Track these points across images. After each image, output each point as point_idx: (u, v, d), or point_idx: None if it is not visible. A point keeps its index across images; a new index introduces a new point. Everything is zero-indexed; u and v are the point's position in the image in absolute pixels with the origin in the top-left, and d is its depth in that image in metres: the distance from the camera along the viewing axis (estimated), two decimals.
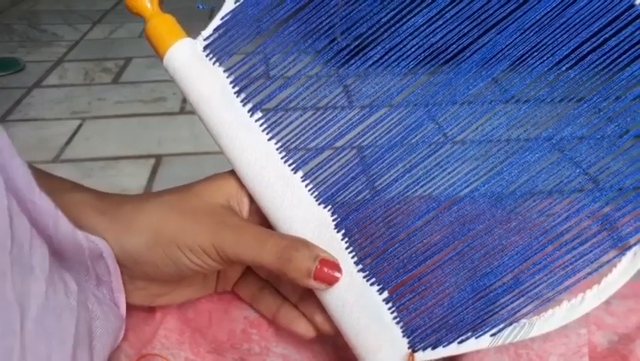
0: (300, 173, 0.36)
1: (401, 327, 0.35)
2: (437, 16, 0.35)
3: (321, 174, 0.35)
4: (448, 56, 0.35)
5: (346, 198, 0.36)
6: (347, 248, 0.35)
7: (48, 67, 2.02)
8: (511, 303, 0.34)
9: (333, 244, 0.35)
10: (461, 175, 0.35)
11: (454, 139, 0.35)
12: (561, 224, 0.34)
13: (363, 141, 0.36)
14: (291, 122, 0.35)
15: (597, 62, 0.34)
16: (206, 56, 0.36)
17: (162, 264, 0.34)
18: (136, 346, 0.37)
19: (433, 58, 0.35)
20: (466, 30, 0.35)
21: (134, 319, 0.38)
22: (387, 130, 0.36)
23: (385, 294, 0.35)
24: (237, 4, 0.36)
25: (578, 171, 0.34)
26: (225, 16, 0.36)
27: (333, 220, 0.35)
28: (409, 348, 0.34)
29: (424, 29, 0.35)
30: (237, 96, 0.36)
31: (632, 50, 0.33)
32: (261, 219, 0.36)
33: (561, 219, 0.34)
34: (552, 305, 0.33)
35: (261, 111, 0.35)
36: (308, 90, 0.36)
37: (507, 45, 0.35)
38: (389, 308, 0.35)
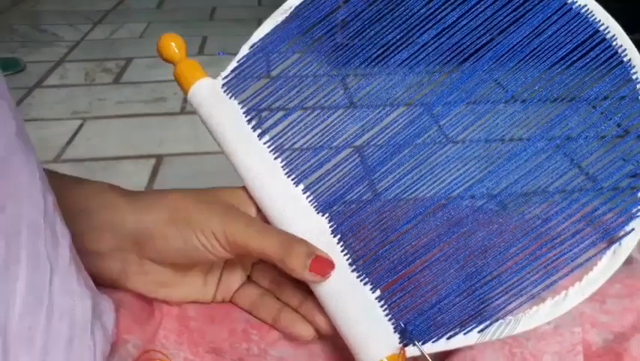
0: (302, 186, 0.40)
1: (392, 323, 0.36)
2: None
3: (320, 186, 0.40)
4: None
5: (342, 207, 0.39)
6: (342, 251, 0.38)
7: (49, 67, 2.02)
8: (497, 300, 0.35)
9: (330, 247, 0.38)
10: (449, 177, 0.37)
11: (437, 141, 0.37)
12: (542, 224, 0.35)
13: (361, 151, 0.40)
14: (293, 144, 0.41)
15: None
16: (224, 91, 0.42)
17: (173, 239, 0.36)
18: (142, 339, 0.38)
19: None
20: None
21: (137, 317, 0.39)
22: (387, 138, 0.39)
23: (377, 292, 0.37)
24: (250, 50, 0.43)
25: (558, 172, 0.36)
26: (241, 59, 0.43)
27: (330, 227, 0.39)
28: (399, 343, 0.36)
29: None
30: (249, 123, 0.41)
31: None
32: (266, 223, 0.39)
33: (542, 219, 0.35)
34: (536, 302, 0.35)
35: (268, 135, 0.41)
36: (309, 117, 0.41)
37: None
38: (381, 306, 0.37)
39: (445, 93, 0.38)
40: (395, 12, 0.39)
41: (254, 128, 0.41)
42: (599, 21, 0.37)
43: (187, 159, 1.47)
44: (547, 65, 0.36)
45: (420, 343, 0.35)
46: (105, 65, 2.05)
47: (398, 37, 0.38)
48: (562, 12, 0.37)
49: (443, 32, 0.38)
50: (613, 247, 0.35)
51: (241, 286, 0.42)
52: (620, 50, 0.37)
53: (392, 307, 0.37)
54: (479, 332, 0.35)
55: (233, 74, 0.42)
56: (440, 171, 0.38)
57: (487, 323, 0.35)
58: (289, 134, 0.41)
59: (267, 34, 0.42)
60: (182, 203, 0.38)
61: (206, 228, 0.36)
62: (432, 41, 0.38)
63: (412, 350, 0.36)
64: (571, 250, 0.35)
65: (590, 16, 0.37)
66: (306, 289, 0.39)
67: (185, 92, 0.42)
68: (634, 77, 0.36)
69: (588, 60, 0.36)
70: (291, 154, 0.40)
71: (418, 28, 0.39)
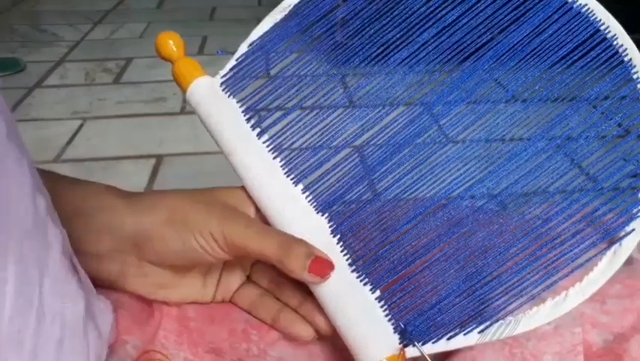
0: (301, 186, 0.40)
1: (392, 324, 0.36)
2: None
3: (319, 185, 0.40)
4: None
5: (342, 207, 0.39)
6: (342, 251, 0.38)
7: (49, 67, 2.02)
8: (497, 300, 0.35)
9: (330, 247, 0.37)
10: (449, 177, 0.37)
11: (437, 140, 0.37)
12: (542, 224, 0.35)
13: (361, 151, 0.39)
14: (293, 143, 0.40)
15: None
16: (223, 90, 0.42)
17: (172, 241, 0.36)
18: (141, 340, 0.38)
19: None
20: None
21: (136, 318, 0.39)
22: (387, 138, 0.39)
23: (377, 293, 0.37)
24: (249, 48, 0.42)
25: (558, 172, 0.35)
26: (240, 57, 0.42)
27: (330, 227, 0.39)
28: (399, 343, 0.36)
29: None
30: (247, 122, 0.41)
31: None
32: (265, 223, 0.39)
33: (542, 219, 0.35)
34: (537, 302, 0.35)
35: (267, 134, 0.40)
36: (308, 116, 0.41)
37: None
38: (381, 306, 0.37)
39: (445, 92, 0.38)
40: (395, 10, 0.39)
41: (253, 128, 0.41)
42: (600, 20, 0.37)
43: (187, 159, 1.47)
44: (548, 64, 0.36)
45: (420, 343, 0.35)
46: (105, 65, 2.05)
47: (398, 35, 0.38)
48: (562, 11, 0.37)
49: (443, 31, 0.37)
50: (613, 248, 0.35)
51: (240, 286, 0.42)
52: (620, 50, 0.37)
53: (392, 307, 0.36)
54: (479, 332, 0.35)
55: (231, 73, 0.42)
56: (440, 170, 0.37)
57: (488, 323, 0.35)
58: (288, 133, 0.40)
59: (266, 32, 0.42)
60: (181, 204, 0.38)
61: (205, 229, 0.36)
62: (432, 40, 0.38)
63: (411, 351, 0.35)
64: (571, 251, 0.35)
65: (590, 15, 0.37)
66: (305, 290, 0.39)
67: (184, 91, 0.42)
68: (634, 76, 0.36)
69: (589, 60, 0.36)
70: (290, 153, 0.40)
71: (418, 26, 0.38)
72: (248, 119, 0.41)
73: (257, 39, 0.42)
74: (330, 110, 0.40)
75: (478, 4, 0.38)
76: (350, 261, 0.37)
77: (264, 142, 0.40)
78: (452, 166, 0.37)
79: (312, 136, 0.40)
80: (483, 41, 0.37)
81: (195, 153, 1.49)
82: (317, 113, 0.40)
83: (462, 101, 0.38)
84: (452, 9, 0.37)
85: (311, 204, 0.39)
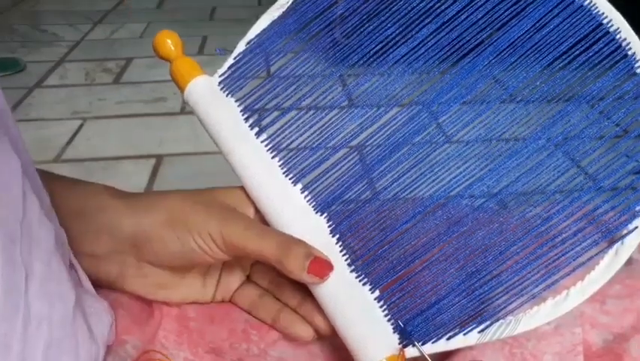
0: (300, 185, 0.39)
1: (392, 324, 0.36)
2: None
3: (318, 185, 0.39)
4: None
5: (341, 206, 0.39)
6: (341, 251, 0.38)
7: (49, 67, 2.03)
8: (497, 300, 0.35)
9: (329, 247, 0.37)
10: (448, 175, 0.36)
11: (436, 139, 0.37)
12: (543, 223, 0.35)
13: (360, 150, 0.39)
14: (291, 142, 0.40)
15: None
16: (221, 89, 0.41)
17: (171, 242, 0.36)
18: (141, 340, 0.38)
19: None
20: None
21: (136, 318, 0.39)
22: (386, 137, 0.39)
23: (376, 293, 0.37)
24: (247, 46, 0.42)
25: (559, 170, 0.35)
26: (237, 56, 0.42)
27: (329, 226, 0.38)
28: (399, 343, 0.35)
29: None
30: (246, 121, 0.41)
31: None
32: (263, 224, 0.39)
33: (543, 218, 0.35)
34: (537, 302, 0.34)
35: (266, 133, 0.40)
36: (307, 115, 0.40)
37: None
38: (380, 306, 0.36)
39: (445, 90, 0.38)
40: (394, 6, 0.38)
41: (251, 127, 0.40)
42: (602, 13, 0.37)
43: (187, 159, 1.47)
44: (549, 59, 0.36)
45: (419, 343, 0.35)
46: (105, 65, 2.05)
47: (397, 32, 0.38)
48: (564, 5, 0.37)
49: (442, 27, 0.37)
50: (615, 246, 0.35)
51: (240, 286, 0.42)
52: (623, 44, 0.36)
53: (391, 307, 0.36)
54: (479, 332, 0.35)
55: (229, 71, 0.41)
56: (440, 169, 0.37)
57: (488, 323, 0.34)
58: (287, 132, 0.40)
59: (264, 30, 0.41)
60: (180, 205, 0.38)
61: (204, 230, 0.36)
62: (431, 36, 0.38)
63: (411, 351, 0.35)
64: (572, 249, 0.35)
65: (592, 8, 0.37)
66: (305, 290, 0.39)
67: (182, 90, 0.42)
68: (638, 71, 0.36)
69: (591, 54, 0.36)
70: (288, 153, 0.40)
71: (417, 22, 0.38)
72: (246, 119, 0.41)
73: (254, 37, 0.42)
74: (328, 108, 0.40)
75: None
76: (349, 261, 0.37)
77: (262, 141, 0.40)
78: (452, 165, 0.37)
79: (311, 135, 0.40)
80: (483, 37, 0.36)
81: (195, 153, 1.49)
82: (315, 112, 0.40)
83: (462, 98, 0.37)
84: (452, 4, 0.37)
85: (310, 204, 0.39)
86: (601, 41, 0.35)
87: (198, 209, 0.37)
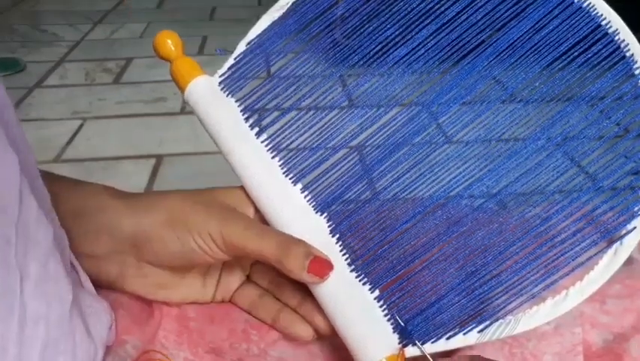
0: (300, 185, 0.39)
1: (391, 323, 0.36)
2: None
3: (318, 185, 0.39)
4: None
5: (341, 206, 0.39)
6: (341, 251, 0.38)
7: (49, 67, 2.03)
8: (497, 300, 0.35)
9: (329, 247, 0.37)
10: (448, 175, 0.37)
11: (436, 139, 0.37)
12: (542, 223, 0.35)
13: (359, 150, 0.39)
14: (291, 142, 0.40)
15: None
16: (221, 89, 0.42)
17: (170, 242, 0.36)
18: (141, 340, 0.38)
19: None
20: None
21: (136, 318, 0.39)
22: (386, 137, 0.39)
23: (376, 292, 0.37)
24: (247, 46, 0.42)
25: (558, 170, 0.35)
26: (238, 56, 0.42)
27: (329, 226, 0.38)
28: (399, 343, 0.35)
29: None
30: (246, 121, 0.41)
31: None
32: (263, 224, 0.39)
33: (542, 218, 0.35)
34: (536, 302, 0.34)
35: (266, 133, 0.41)
36: (307, 115, 0.40)
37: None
38: (380, 306, 0.36)
39: (445, 90, 0.38)
40: (394, 7, 0.38)
41: (251, 127, 0.41)
42: (601, 15, 0.37)
43: (187, 159, 1.47)
44: (549, 60, 0.36)
45: (419, 343, 0.35)
46: (105, 65, 2.05)
47: (397, 32, 0.38)
48: (563, 6, 0.37)
49: (442, 28, 0.37)
50: (614, 246, 0.35)
51: (240, 286, 0.42)
52: (622, 45, 0.36)
53: (391, 307, 0.36)
54: (479, 332, 0.35)
55: (230, 72, 0.42)
56: (439, 169, 0.37)
57: (487, 322, 0.35)
58: (287, 132, 0.40)
59: (264, 30, 0.41)
60: (179, 205, 0.38)
61: (204, 230, 0.36)
62: (431, 37, 0.38)
63: (411, 351, 0.35)
64: (571, 249, 0.35)
65: (591, 10, 0.37)
66: (305, 290, 0.39)
67: (182, 90, 0.42)
68: (637, 72, 0.36)
69: (590, 55, 0.36)
70: (288, 153, 0.40)
71: (417, 23, 0.38)
72: (246, 119, 0.41)
73: (255, 38, 0.42)
74: (328, 108, 0.40)
75: (478, 0, 0.37)
76: (349, 260, 0.37)
77: (262, 141, 0.40)
78: (451, 165, 0.37)
79: (311, 135, 0.40)
80: (482, 38, 0.36)
81: (195, 153, 1.49)
82: (315, 112, 0.40)
83: (461, 98, 0.38)
84: (451, 5, 0.37)
85: (310, 204, 0.39)
86: (600, 42, 0.36)
87: (198, 209, 0.37)
